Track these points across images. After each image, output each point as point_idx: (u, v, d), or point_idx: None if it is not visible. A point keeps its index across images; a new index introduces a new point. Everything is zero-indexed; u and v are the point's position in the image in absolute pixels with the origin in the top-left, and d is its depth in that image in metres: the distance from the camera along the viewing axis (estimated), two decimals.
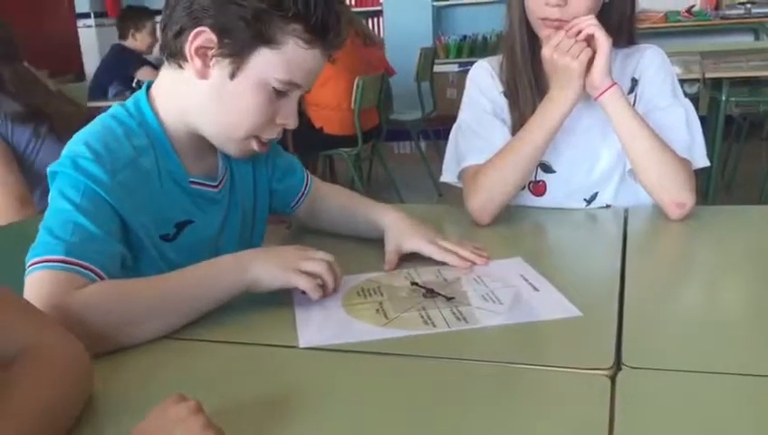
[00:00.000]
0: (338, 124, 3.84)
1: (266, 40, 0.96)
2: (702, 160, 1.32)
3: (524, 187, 1.40)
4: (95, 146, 0.97)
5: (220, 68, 0.98)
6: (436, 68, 5.37)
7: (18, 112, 1.89)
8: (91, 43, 6.11)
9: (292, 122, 1.04)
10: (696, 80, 3.51)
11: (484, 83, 1.41)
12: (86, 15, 6.15)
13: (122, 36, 4.56)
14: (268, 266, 0.95)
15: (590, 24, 1.23)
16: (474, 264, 1.09)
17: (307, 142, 3.88)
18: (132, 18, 4.53)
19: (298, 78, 1.00)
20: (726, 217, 1.34)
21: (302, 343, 0.86)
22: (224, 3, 0.95)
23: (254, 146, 1.05)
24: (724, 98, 3.29)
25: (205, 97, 1.01)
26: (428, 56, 5.15)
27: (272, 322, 0.95)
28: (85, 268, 0.88)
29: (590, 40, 1.24)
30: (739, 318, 0.92)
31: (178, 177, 1.06)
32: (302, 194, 1.28)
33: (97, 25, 6.20)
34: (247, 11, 0.94)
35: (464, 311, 0.93)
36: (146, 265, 1.00)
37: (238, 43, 0.96)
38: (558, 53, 1.24)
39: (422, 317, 0.92)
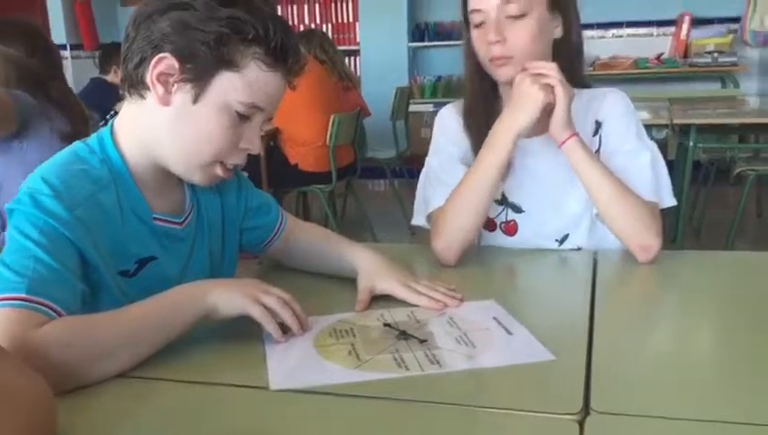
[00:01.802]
0: (313, 161, 3.86)
1: (228, 63, 0.97)
2: (669, 200, 1.34)
3: (497, 227, 1.42)
4: (53, 182, 0.96)
5: (182, 93, 0.99)
6: (412, 107, 5.43)
7: (64, 132, 1.92)
8: (67, 74, 6.08)
9: (255, 147, 1.05)
10: (665, 125, 3.59)
11: (450, 128, 1.44)
12: (62, 47, 6.13)
13: (104, 71, 4.55)
14: (226, 293, 0.96)
15: (552, 77, 1.25)
16: (446, 306, 1.09)
17: (282, 178, 3.89)
18: (115, 54, 4.53)
19: (260, 101, 1.01)
20: (695, 263, 1.36)
21: (273, 386, 0.85)
22: (184, 28, 0.96)
23: (219, 172, 1.05)
24: (692, 143, 3.36)
25: (168, 124, 1.01)
26: (404, 95, 5.21)
27: (241, 362, 0.94)
28: (46, 306, 0.87)
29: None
30: (707, 364, 0.93)
31: (141, 213, 1.06)
32: (275, 234, 1.28)
33: (73, 57, 6.19)
34: (208, 35, 0.95)
35: (437, 354, 0.93)
36: (105, 302, 0.99)
37: (200, 68, 0.97)
38: (531, 79, 1.26)
39: (395, 360, 0.91)
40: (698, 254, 1.42)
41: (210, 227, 1.18)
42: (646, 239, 1.26)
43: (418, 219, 1.43)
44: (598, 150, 1.37)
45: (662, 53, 5.91)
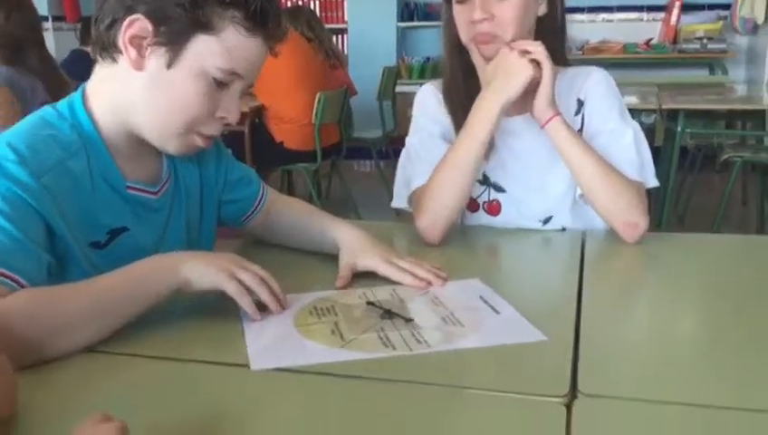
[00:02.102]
0: (298, 139, 3.81)
1: (204, 26, 0.93)
2: (652, 180, 1.32)
3: (479, 207, 1.39)
4: (19, 147, 0.91)
5: (156, 57, 0.94)
6: (399, 88, 5.38)
7: (44, 101, 1.85)
8: (48, 46, 5.97)
9: (233, 116, 1.00)
10: (653, 110, 3.57)
11: (431, 107, 1.40)
12: (44, 19, 6.01)
13: (85, 43, 4.48)
14: (200, 266, 0.91)
15: (539, 51, 1.22)
16: (430, 284, 1.06)
17: (266, 156, 3.84)
18: None
19: (239, 67, 0.97)
20: (683, 245, 1.34)
21: (254, 366, 0.81)
22: None
23: (196, 141, 1.01)
24: (679, 129, 3.34)
25: (141, 89, 0.96)
26: (391, 75, 5.16)
27: (217, 338, 0.90)
28: (8, 277, 0.83)
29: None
30: (694, 347, 0.91)
31: (114, 181, 1.01)
32: (256, 208, 1.24)
33: (55, 29, 6.06)
34: None
35: (423, 333, 0.89)
36: (73, 274, 0.94)
37: (175, 31, 0.93)
38: (518, 53, 1.23)
39: (381, 339, 0.88)
40: (686, 236, 1.40)
41: (188, 198, 1.13)
42: (632, 217, 1.24)
43: (399, 202, 1.39)
44: (580, 130, 1.34)
45: (651, 39, 5.88)
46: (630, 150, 1.29)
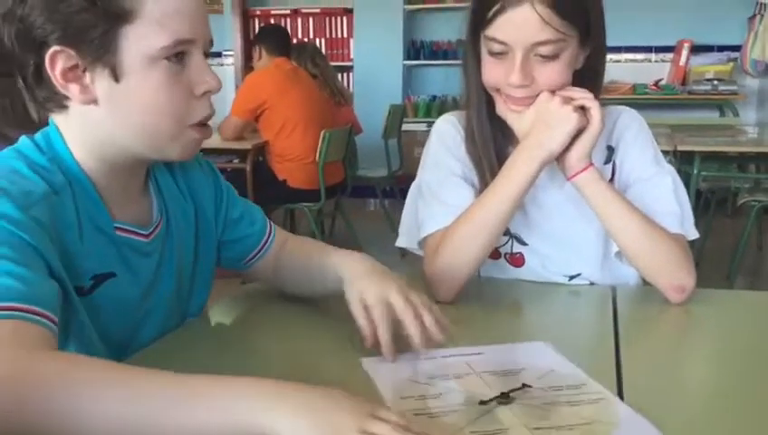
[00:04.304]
0: (301, 177, 3.71)
1: (120, 17, 0.81)
2: (692, 232, 1.19)
3: (501, 256, 1.27)
4: None
5: (100, 80, 0.83)
6: (405, 126, 5.32)
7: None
8: None
9: (213, 82, 0.88)
10: (667, 152, 3.48)
11: (451, 141, 1.25)
12: None
13: None
14: (307, 421, 0.60)
15: (587, 98, 1.10)
16: (428, 344, 0.90)
17: (269, 194, 3.74)
18: None
19: (183, 32, 0.84)
20: (724, 303, 1.21)
21: None
22: (52, 7, 0.79)
23: (195, 134, 0.89)
24: (696, 171, 3.24)
25: (108, 119, 0.85)
26: (397, 113, 5.10)
27: None
28: (39, 314, 0.70)
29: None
30: (753, 420, 0.78)
31: (101, 222, 0.89)
32: (261, 249, 1.10)
33: None
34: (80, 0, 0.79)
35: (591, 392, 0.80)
36: (64, 317, 0.80)
37: (96, 40, 0.81)
38: (561, 99, 1.10)
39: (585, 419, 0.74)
40: (726, 293, 1.28)
41: (182, 242, 1.01)
42: (680, 279, 1.11)
43: (406, 241, 1.26)
44: (611, 180, 1.22)
45: (660, 79, 5.82)
46: (670, 200, 1.17)
